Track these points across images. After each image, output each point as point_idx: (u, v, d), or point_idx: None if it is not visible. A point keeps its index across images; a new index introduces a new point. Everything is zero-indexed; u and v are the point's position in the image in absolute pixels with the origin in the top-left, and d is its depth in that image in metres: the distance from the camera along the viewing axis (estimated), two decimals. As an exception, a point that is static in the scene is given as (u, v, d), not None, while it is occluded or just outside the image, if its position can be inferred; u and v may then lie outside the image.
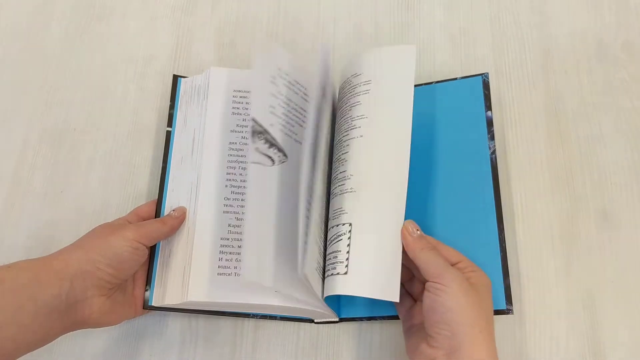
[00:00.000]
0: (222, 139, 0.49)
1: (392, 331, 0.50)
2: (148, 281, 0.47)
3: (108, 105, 0.58)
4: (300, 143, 0.45)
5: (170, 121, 0.52)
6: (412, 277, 0.46)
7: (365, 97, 0.47)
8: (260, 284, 0.38)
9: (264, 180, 0.41)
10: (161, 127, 0.57)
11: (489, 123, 0.50)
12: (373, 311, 0.47)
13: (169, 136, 0.52)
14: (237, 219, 0.47)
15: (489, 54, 0.60)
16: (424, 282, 0.40)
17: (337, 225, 0.43)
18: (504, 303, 0.45)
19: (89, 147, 0.56)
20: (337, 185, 0.45)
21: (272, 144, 0.42)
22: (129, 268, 0.43)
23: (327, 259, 0.44)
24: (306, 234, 0.40)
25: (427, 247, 0.41)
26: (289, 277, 0.40)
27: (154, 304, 0.46)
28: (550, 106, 0.58)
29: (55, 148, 0.56)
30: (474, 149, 0.50)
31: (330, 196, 0.46)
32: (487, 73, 0.52)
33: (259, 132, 0.41)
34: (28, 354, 0.39)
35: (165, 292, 0.46)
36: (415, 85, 0.47)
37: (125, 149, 0.56)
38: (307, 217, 0.41)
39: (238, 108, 0.51)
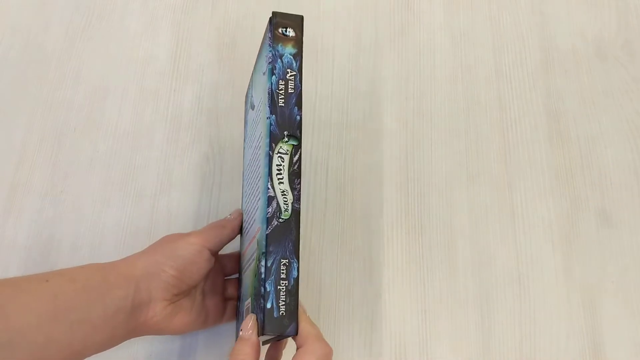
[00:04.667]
0: None
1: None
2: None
3: (108, 105, 0.58)
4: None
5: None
6: None
7: None
8: None
9: None
10: (161, 127, 0.57)
11: None
12: None
13: None
14: None
15: (489, 54, 0.60)
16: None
17: None
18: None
19: (89, 147, 0.56)
20: None
21: None
22: (193, 271, 0.43)
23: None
24: None
25: None
26: None
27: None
28: (550, 106, 0.58)
29: (55, 148, 0.56)
30: None
31: None
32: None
33: None
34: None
35: None
36: None
37: (125, 148, 0.56)
38: None
39: None
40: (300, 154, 0.39)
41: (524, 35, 0.60)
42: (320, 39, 0.61)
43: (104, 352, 0.48)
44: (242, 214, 0.47)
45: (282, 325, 0.36)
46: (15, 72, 0.59)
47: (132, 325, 0.40)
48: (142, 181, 0.55)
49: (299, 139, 0.39)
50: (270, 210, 0.38)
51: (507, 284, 0.51)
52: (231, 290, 0.48)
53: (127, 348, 0.49)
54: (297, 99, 0.40)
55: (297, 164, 0.39)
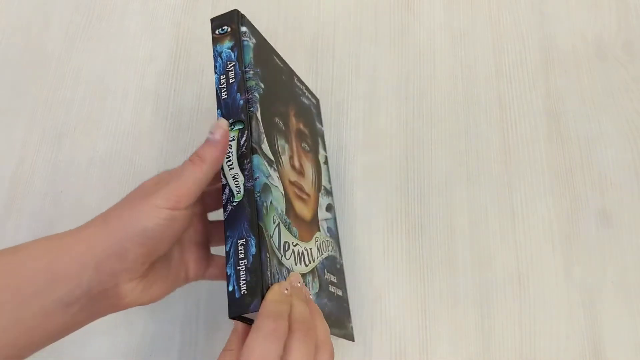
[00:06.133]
0: None
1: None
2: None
3: (108, 105, 0.58)
4: None
5: None
6: None
7: None
8: None
9: None
10: (161, 127, 0.57)
11: None
12: None
13: None
14: None
15: (489, 54, 0.60)
16: None
17: None
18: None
19: (89, 147, 0.56)
20: None
21: None
22: (166, 242, 0.35)
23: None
24: None
25: None
26: None
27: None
28: (550, 106, 0.58)
29: (55, 148, 0.56)
30: None
31: None
32: None
33: None
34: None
35: None
36: None
37: (125, 148, 0.56)
38: None
39: None
40: (248, 134, 0.39)
41: (524, 35, 0.60)
42: (320, 39, 0.61)
43: (104, 352, 0.48)
44: (227, 131, 0.38)
45: (244, 304, 0.34)
46: (15, 72, 0.59)
47: (94, 310, 0.34)
48: (142, 181, 0.55)
49: (243, 121, 0.39)
50: (224, 197, 0.37)
51: (507, 284, 0.51)
52: (216, 237, 0.42)
53: (127, 348, 0.49)
54: (238, 85, 0.40)
55: (245, 145, 0.38)
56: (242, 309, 0.34)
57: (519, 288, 0.51)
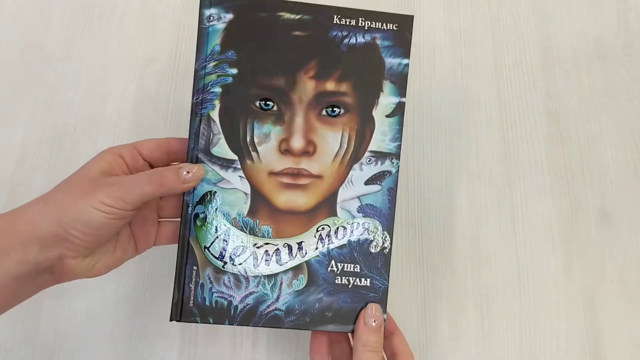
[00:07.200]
0: None
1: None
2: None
3: (108, 105, 0.58)
4: None
5: None
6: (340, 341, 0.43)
7: None
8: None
9: None
10: (161, 127, 0.57)
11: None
12: None
13: None
14: None
15: (489, 54, 0.60)
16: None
17: None
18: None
19: (89, 147, 0.56)
20: None
21: None
22: (107, 234, 0.36)
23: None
24: None
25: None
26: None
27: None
28: (550, 106, 0.58)
29: (55, 148, 0.56)
30: None
31: None
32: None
33: None
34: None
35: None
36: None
37: (125, 149, 0.56)
38: None
39: None
40: (190, 145, 0.39)
41: (524, 35, 0.60)
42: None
43: (102, 349, 0.48)
44: (199, 180, 0.38)
45: (171, 312, 0.39)
46: (15, 72, 0.59)
47: (42, 282, 0.36)
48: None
49: None
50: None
51: (507, 284, 0.51)
52: (169, 210, 0.42)
53: (128, 346, 0.49)
54: (192, 90, 0.39)
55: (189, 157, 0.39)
56: (171, 317, 0.39)
57: (519, 288, 0.51)
